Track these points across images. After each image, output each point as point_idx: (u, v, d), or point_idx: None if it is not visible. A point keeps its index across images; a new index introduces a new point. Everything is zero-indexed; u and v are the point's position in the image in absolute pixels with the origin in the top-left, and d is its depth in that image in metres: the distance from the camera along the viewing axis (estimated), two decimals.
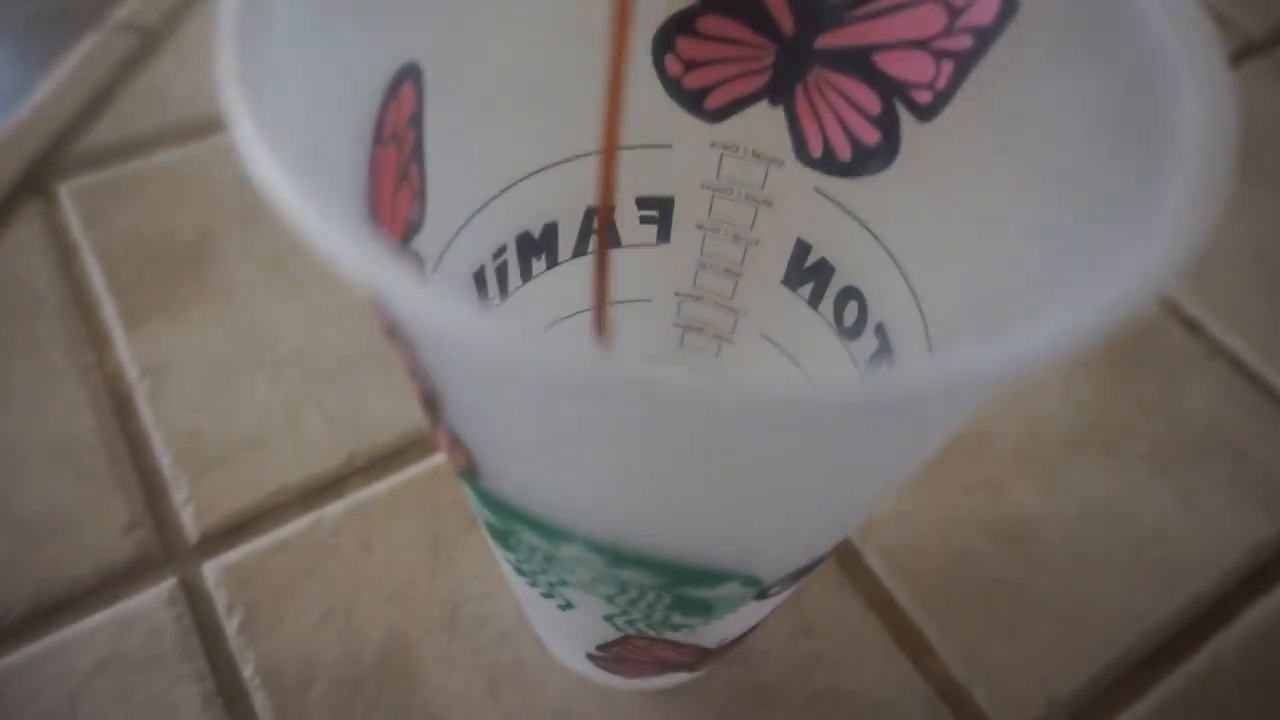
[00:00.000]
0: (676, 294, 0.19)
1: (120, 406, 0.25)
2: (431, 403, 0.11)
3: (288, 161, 0.08)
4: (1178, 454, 0.26)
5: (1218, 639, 0.23)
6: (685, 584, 0.11)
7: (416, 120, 0.12)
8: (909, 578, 0.23)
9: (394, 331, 0.10)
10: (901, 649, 0.22)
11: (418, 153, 0.13)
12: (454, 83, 0.13)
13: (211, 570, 0.22)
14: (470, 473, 0.12)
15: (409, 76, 0.12)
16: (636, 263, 0.18)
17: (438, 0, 0.12)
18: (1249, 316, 0.29)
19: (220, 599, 0.22)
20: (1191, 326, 0.29)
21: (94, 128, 0.31)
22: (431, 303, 0.07)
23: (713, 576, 0.11)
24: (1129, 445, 0.26)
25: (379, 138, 0.11)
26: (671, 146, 0.16)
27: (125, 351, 0.26)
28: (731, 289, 0.18)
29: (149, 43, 0.33)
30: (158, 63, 0.33)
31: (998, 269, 0.12)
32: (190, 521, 0.23)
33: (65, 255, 0.28)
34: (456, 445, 0.11)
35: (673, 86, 0.15)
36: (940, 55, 0.12)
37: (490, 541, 0.15)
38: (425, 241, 0.13)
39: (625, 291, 0.19)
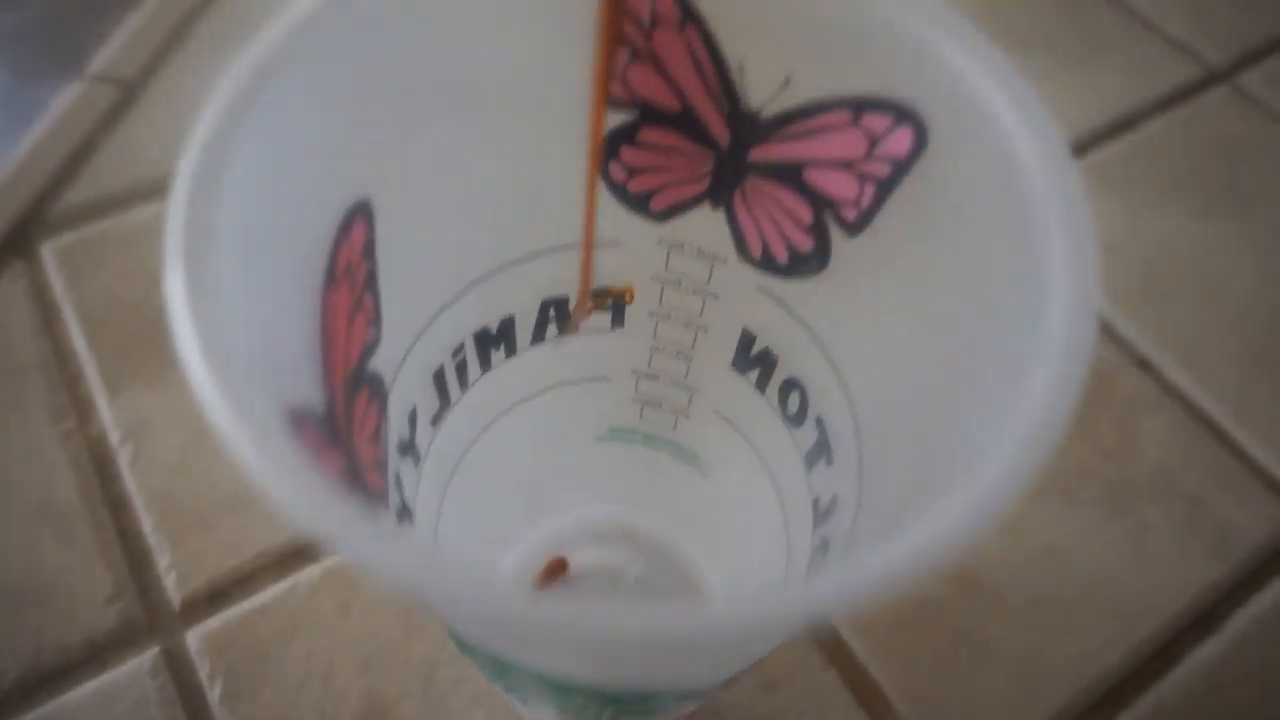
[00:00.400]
0: (633, 372, 0.20)
1: (103, 470, 0.26)
2: None
3: (230, 373, 0.09)
4: (1130, 497, 0.27)
5: (1162, 683, 0.24)
6: (626, 703, 0.12)
7: (368, 252, 0.13)
8: (866, 629, 0.24)
9: None
10: (860, 704, 0.23)
11: (371, 281, 0.13)
12: (404, 212, 0.14)
13: (194, 638, 0.23)
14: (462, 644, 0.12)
15: (359, 213, 0.13)
16: (594, 346, 0.19)
17: (386, 139, 0.13)
18: (1202, 356, 0.30)
19: (202, 667, 0.23)
20: (1145, 366, 0.30)
21: (75, 184, 0.31)
22: (372, 552, 0.07)
23: (651, 697, 0.12)
24: (1084, 490, 0.27)
25: (331, 278, 0.12)
26: (621, 244, 0.17)
27: (107, 415, 0.26)
28: (685, 370, 0.19)
29: (127, 95, 0.34)
30: (136, 116, 0.33)
31: (915, 381, 0.13)
32: (173, 588, 0.24)
33: (48, 316, 0.28)
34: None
35: (619, 191, 0.16)
36: (863, 178, 0.13)
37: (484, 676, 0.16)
38: (382, 358, 0.14)
39: (585, 371, 0.20)
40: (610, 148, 0.15)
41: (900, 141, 0.12)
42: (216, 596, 0.24)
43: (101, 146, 0.32)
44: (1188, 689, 0.23)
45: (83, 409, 0.27)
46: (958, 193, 0.12)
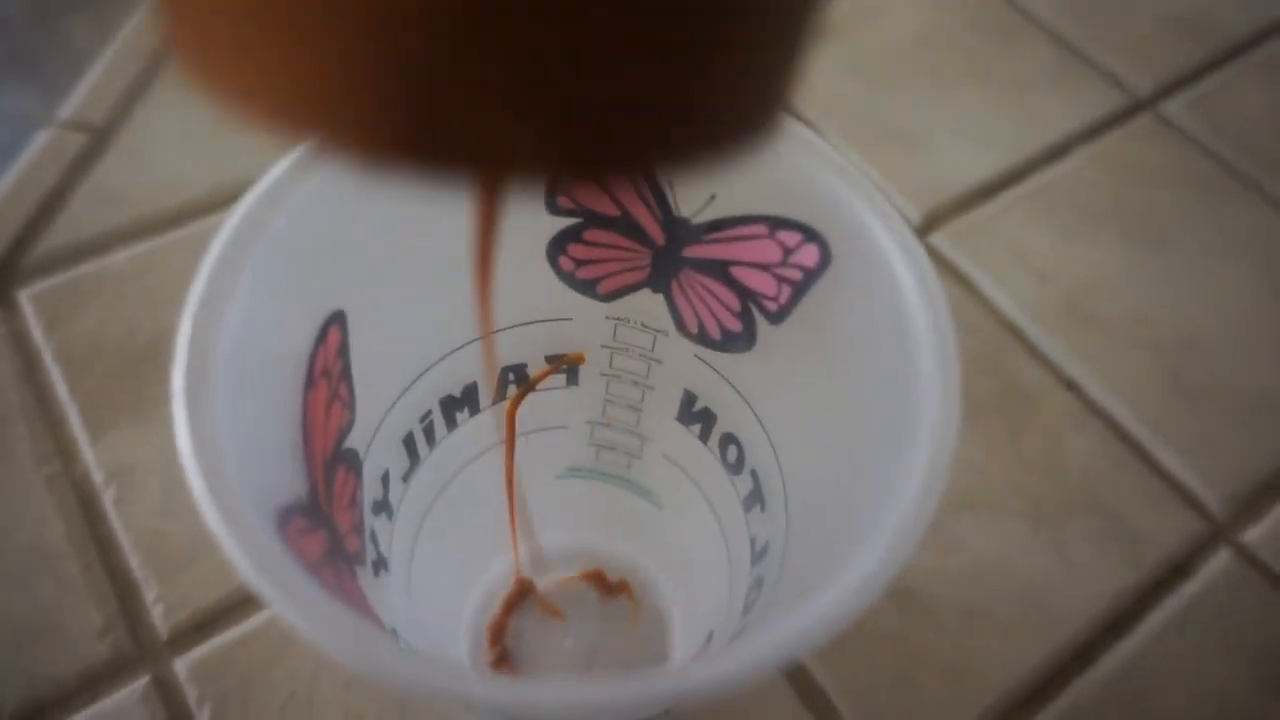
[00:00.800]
0: (588, 421, 0.21)
1: (89, 511, 0.27)
2: None
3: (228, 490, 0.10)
4: (1056, 510, 0.29)
5: (1081, 681, 0.26)
6: None
7: (343, 351, 0.15)
8: None
9: None
10: (808, 708, 0.25)
11: (345, 373, 0.15)
12: (374, 312, 0.15)
13: (182, 666, 0.25)
14: None
15: (335, 322, 0.14)
16: (551, 401, 0.21)
17: (357, 262, 0.14)
18: (1125, 377, 0.32)
19: (191, 693, 0.24)
20: (1072, 387, 0.32)
21: (49, 231, 0.32)
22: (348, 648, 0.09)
23: None
24: (1013, 503, 0.29)
25: (311, 381, 0.14)
26: (572, 320, 0.18)
27: (91, 458, 0.28)
28: (636, 420, 0.21)
29: (98, 141, 0.35)
30: (108, 161, 0.34)
31: (827, 450, 0.15)
32: (160, 620, 0.25)
33: (29, 362, 0.30)
34: None
35: (567, 278, 0.17)
36: (781, 279, 0.15)
37: None
38: (357, 435, 0.16)
39: (544, 421, 0.21)
40: (559, 244, 0.17)
41: (809, 255, 0.14)
42: (202, 626, 0.25)
43: (74, 192, 0.33)
44: (1103, 686, 0.26)
45: (67, 452, 0.28)
46: (856, 300, 0.14)
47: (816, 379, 0.15)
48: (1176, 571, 0.28)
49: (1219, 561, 0.28)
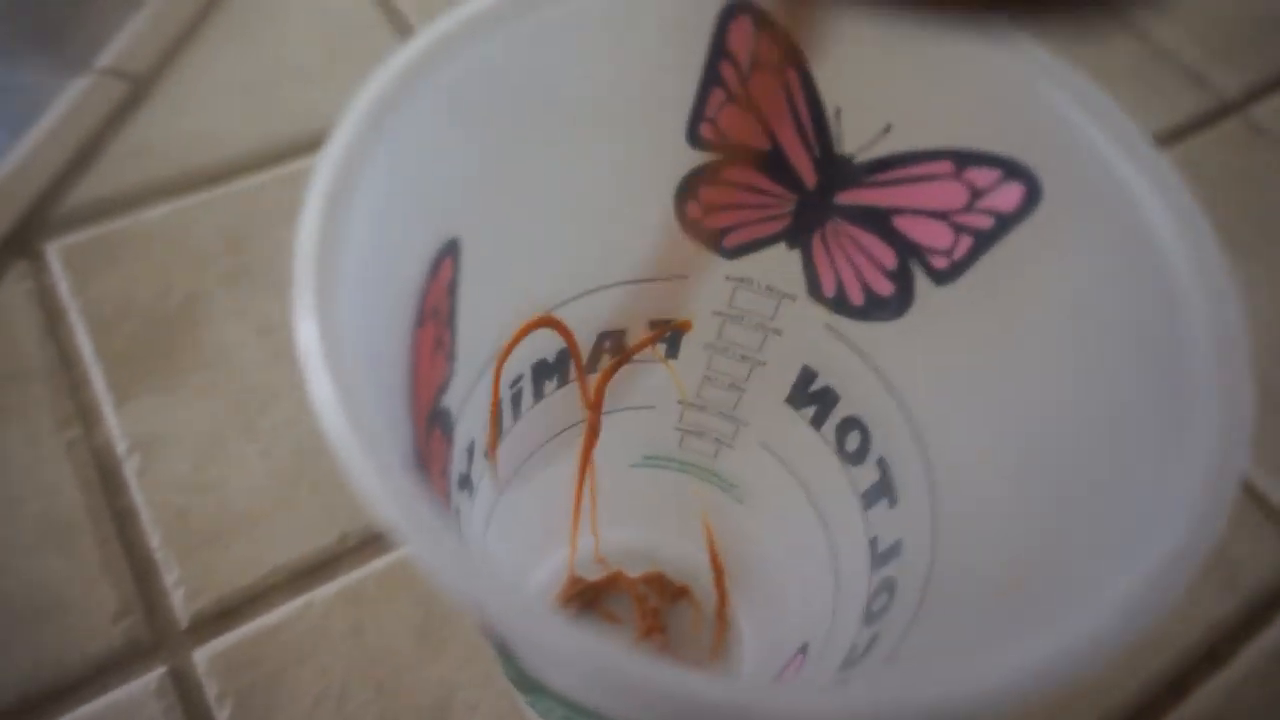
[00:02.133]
0: (680, 402, 0.19)
1: (109, 482, 0.25)
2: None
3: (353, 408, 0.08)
4: None
5: (1174, 714, 0.24)
6: None
7: (452, 289, 0.13)
8: None
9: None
10: None
11: (451, 319, 0.13)
12: (486, 251, 0.13)
13: (202, 658, 0.22)
14: (509, 657, 0.12)
15: (449, 253, 0.12)
16: (645, 375, 0.18)
17: (478, 180, 0.12)
18: None
19: (211, 688, 0.22)
20: None
21: (82, 183, 0.30)
22: (516, 612, 0.07)
23: None
24: None
25: (420, 318, 0.12)
26: (686, 278, 0.16)
27: (114, 424, 0.26)
28: (735, 401, 0.19)
29: (138, 90, 0.33)
30: (148, 112, 0.32)
31: (1006, 444, 0.13)
32: (180, 605, 0.23)
33: (53, 319, 0.27)
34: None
35: (692, 226, 0.15)
36: (960, 229, 0.13)
37: (513, 688, 0.15)
38: (453, 395, 0.14)
39: (632, 399, 0.19)
40: (690, 185, 0.15)
41: (1008, 197, 0.12)
42: (226, 614, 0.23)
43: (111, 143, 0.31)
44: (1198, 715, 0.24)
45: (89, 417, 0.26)
46: (1071, 257, 0.11)
47: (995, 350, 0.13)
48: (1273, 601, 0.26)
49: None
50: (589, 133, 0.13)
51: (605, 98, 0.13)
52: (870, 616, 0.15)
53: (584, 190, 0.14)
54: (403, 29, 0.36)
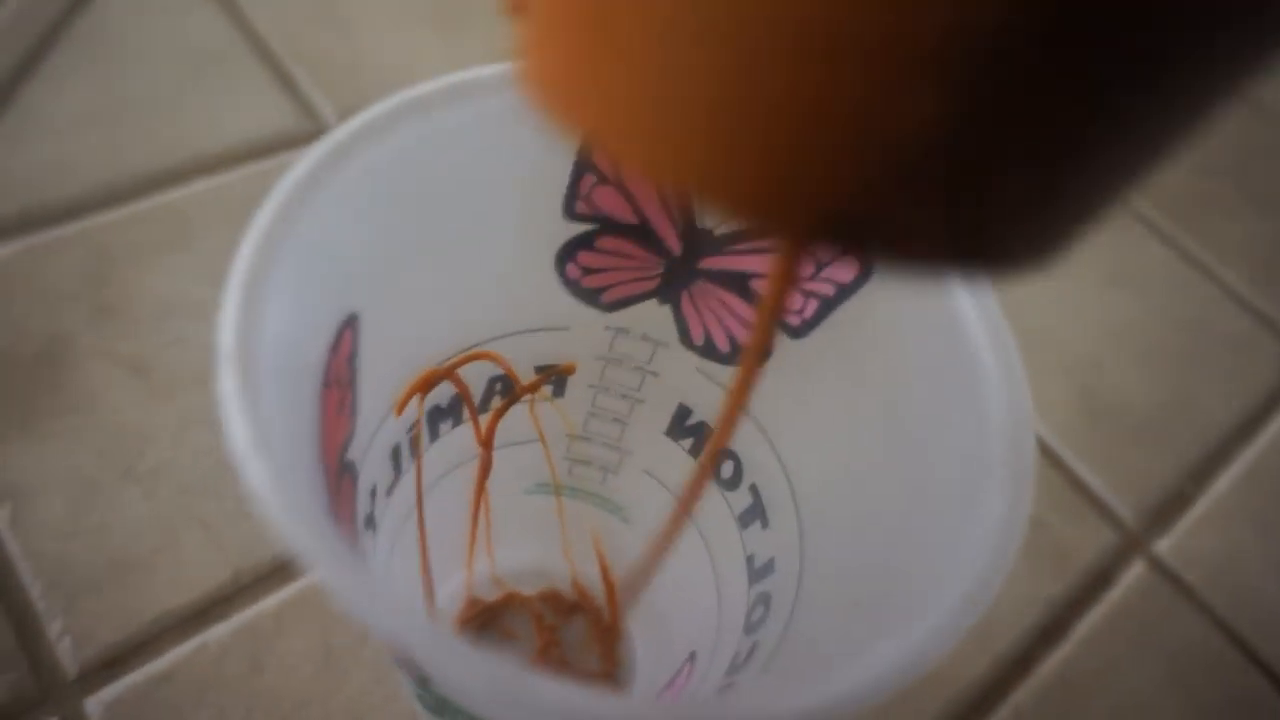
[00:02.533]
0: (568, 436, 0.21)
1: None
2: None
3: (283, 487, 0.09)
4: None
5: (1020, 689, 0.27)
6: None
7: (352, 358, 0.14)
8: None
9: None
10: None
11: (352, 382, 0.14)
12: (383, 320, 0.14)
13: (94, 707, 0.22)
14: (425, 681, 0.13)
15: (349, 325, 0.13)
16: (532, 414, 0.20)
17: (377, 264, 0.13)
18: (1044, 397, 0.34)
19: None
20: None
21: None
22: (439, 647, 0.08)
23: None
24: None
25: (326, 383, 0.13)
26: (569, 329, 0.18)
27: None
28: (619, 434, 0.20)
29: None
30: None
31: (852, 470, 0.15)
32: (68, 655, 0.23)
33: None
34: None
35: (572, 285, 0.17)
36: (808, 294, 0.15)
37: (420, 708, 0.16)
38: (356, 447, 0.15)
39: (520, 435, 0.20)
40: (570, 250, 0.16)
41: (845, 271, 0.14)
42: (116, 662, 0.23)
43: None
44: (1041, 693, 0.27)
45: None
46: (896, 321, 0.14)
47: (841, 395, 0.15)
48: (1099, 581, 0.30)
49: (1135, 571, 0.30)
50: (476, 213, 0.15)
51: (491, 184, 0.14)
52: (750, 627, 0.17)
53: (471, 261, 0.16)
54: (263, 54, 0.36)
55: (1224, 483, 0.33)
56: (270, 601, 0.25)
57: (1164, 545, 0.31)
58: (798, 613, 0.15)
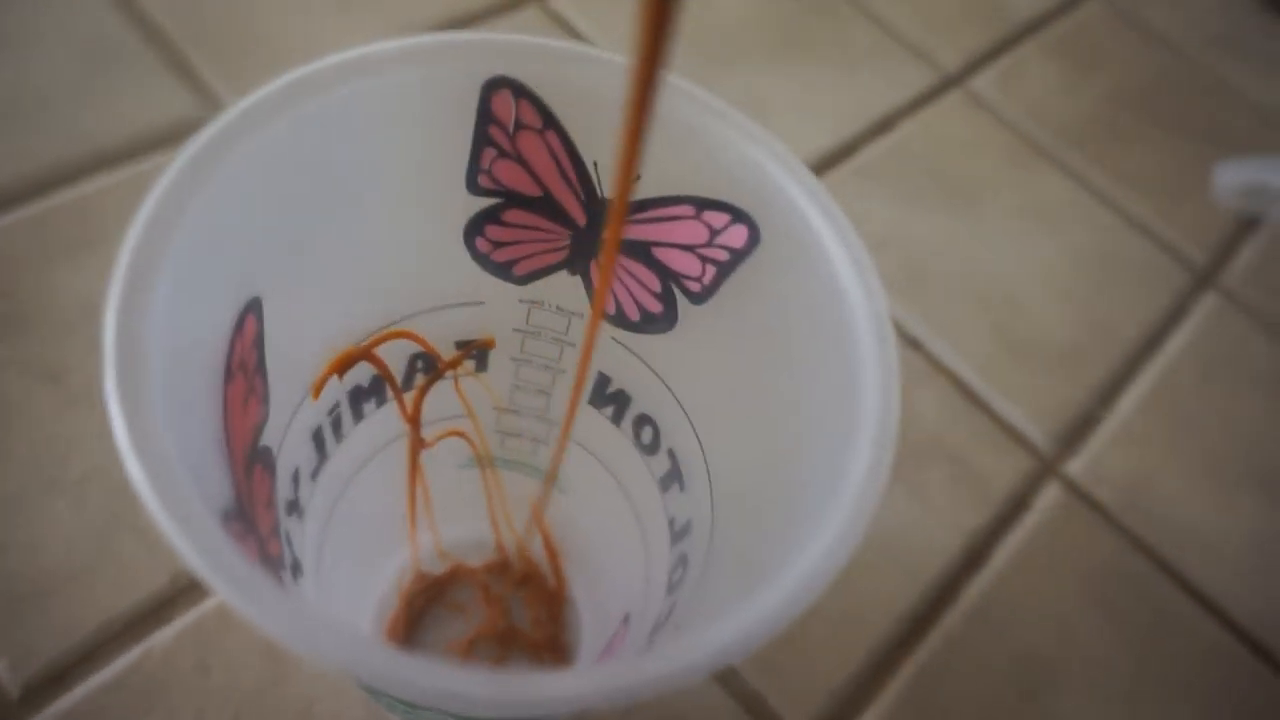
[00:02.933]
0: (495, 408, 0.21)
1: None
2: None
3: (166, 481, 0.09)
4: (911, 459, 0.32)
5: (948, 616, 0.29)
6: None
7: (258, 342, 0.14)
8: None
9: None
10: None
11: (260, 366, 0.14)
12: (289, 300, 0.14)
13: None
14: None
15: (251, 310, 0.13)
16: (457, 389, 0.20)
17: (277, 243, 0.13)
18: (961, 333, 0.35)
19: None
20: (915, 346, 0.35)
21: None
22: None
23: None
24: None
25: (229, 374, 0.13)
26: (484, 304, 0.18)
27: None
28: (545, 405, 0.21)
29: None
30: None
31: (754, 430, 0.16)
32: (7, 676, 0.22)
33: None
34: None
35: (483, 260, 0.17)
36: (705, 260, 0.15)
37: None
38: (270, 432, 0.15)
39: (448, 410, 0.21)
40: (478, 225, 0.16)
41: (736, 235, 0.15)
42: (60, 677, 0.23)
43: None
44: (969, 618, 0.29)
45: None
46: (785, 283, 0.14)
47: (741, 359, 0.16)
48: (1018, 506, 0.31)
49: (1050, 494, 0.32)
50: (377, 189, 0.15)
51: (388, 160, 0.14)
52: (671, 587, 0.18)
53: (378, 238, 0.16)
54: (159, 41, 0.35)
55: (1129, 402, 0.34)
56: (212, 601, 0.25)
57: (1075, 467, 0.32)
58: (707, 572, 0.16)
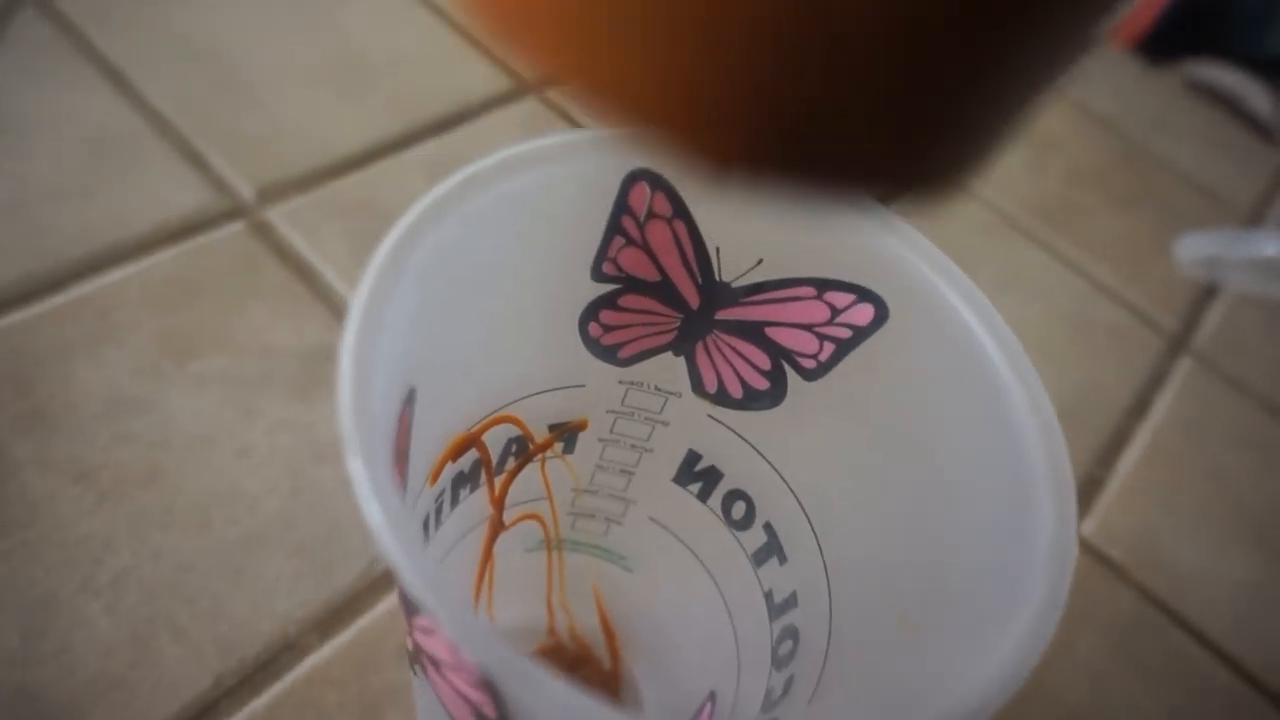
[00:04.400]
0: (573, 490, 0.21)
1: None
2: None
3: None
4: None
5: None
6: None
7: (408, 432, 0.14)
8: None
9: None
10: None
11: (406, 455, 0.14)
12: (427, 391, 0.14)
13: None
14: None
15: (409, 401, 0.13)
16: (541, 472, 0.20)
17: (430, 339, 0.14)
18: None
19: None
20: None
21: None
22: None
23: None
24: None
25: (395, 459, 0.13)
26: (585, 386, 0.18)
27: None
28: (625, 484, 0.21)
29: None
30: None
31: (872, 498, 0.16)
32: None
33: None
34: None
35: (593, 345, 0.17)
36: (823, 338, 0.16)
37: None
38: None
39: (528, 494, 0.21)
40: (594, 310, 0.17)
41: (861, 314, 0.15)
42: None
43: None
44: None
45: None
46: (916, 360, 0.15)
47: (860, 431, 0.16)
48: None
49: None
50: (511, 280, 0.15)
51: (525, 252, 0.15)
52: (779, 662, 0.18)
53: (504, 327, 0.16)
54: (167, 132, 0.35)
55: (1126, 464, 0.36)
56: (259, 702, 0.23)
57: (1088, 528, 0.34)
58: (834, 644, 0.16)
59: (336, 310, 0.31)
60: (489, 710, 0.12)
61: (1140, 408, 0.38)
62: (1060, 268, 0.43)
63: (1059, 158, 0.49)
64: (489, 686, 0.11)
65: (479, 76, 0.41)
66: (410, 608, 0.13)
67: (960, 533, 0.14)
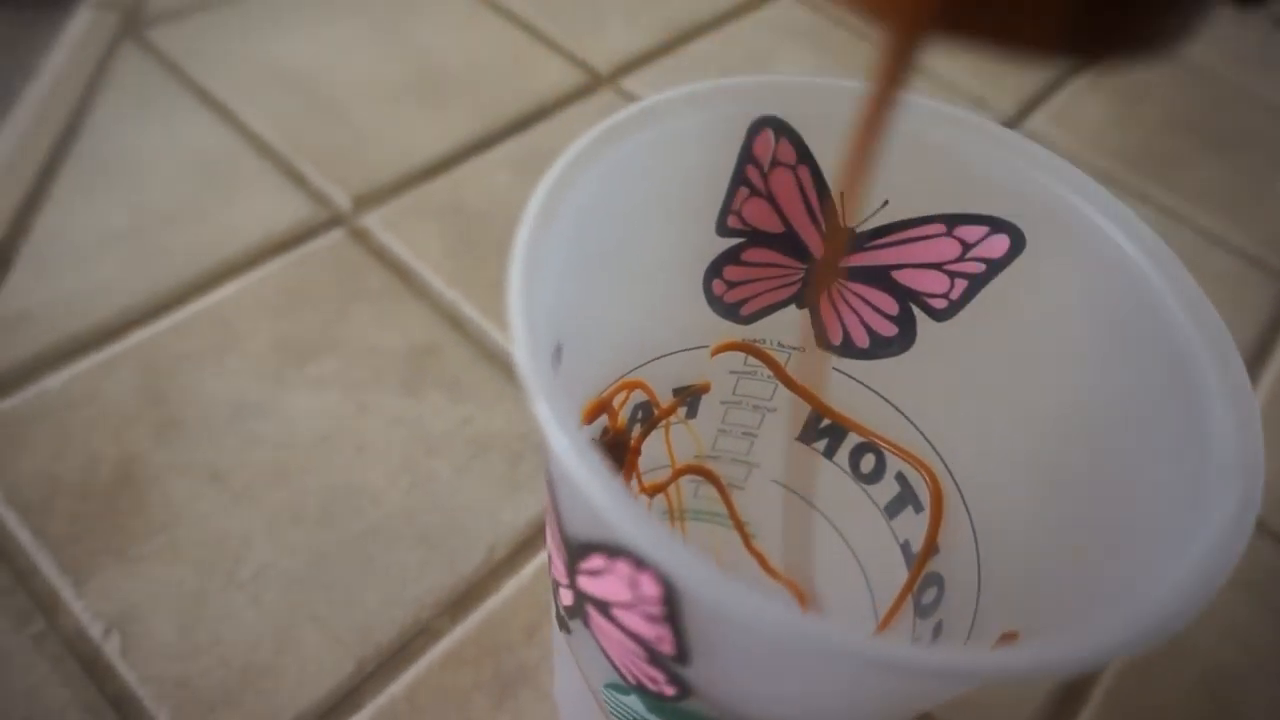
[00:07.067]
0: (696, 457, 0.21)
1: (93, 669, 0.23)
2: (669, 659, 0.12)
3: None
4: None
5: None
6: None
7: None
8: None
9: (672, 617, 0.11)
10: None
11: None
12: (570, 352, 0.15)
13: None
14: (673, 698, 0.13)
15: (556, 358, 0.14)
16: (663, 440, 0.20)
17: (577, 294, 0.14)
18: None
19: None
20: None
21: None
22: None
23: None
24: None
25: None
26: (707, 346, 0.18)
27: (80, 608, 0.24)
28: (748, 447, 0.21)
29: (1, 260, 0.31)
30: (16, 280, 0.30)
31: (1015, 435, 0.16)
32: None
33: None
34: (672, 682, 0.13)
35: (716, 303, 0.17)
36: (954, 275, 0.16)
37: None
38: None
39: (651, 461, 0.21)
40: (717, 267, 0.17)
41: (995, 246, 0.15)
42: None
43: None
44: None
45: (47, 606, 0.24)
46: (1056, 286, 0.15)
47: (998, 370, 0.16)
48: None
49: None
50: (642, 238, 0.15)
51: (654, 207, 0.15)
52: (923, 610, 0.18)
53: (632, 288, 0.16)
54: (266, 152, 0.36)
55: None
56: (400, 685, 0.24)
57: None
58: (988, 585, 0.16)
59: (435, 308, 0.32)
60: (666, 646, 0.12)
61: (1262, 354, 0.37)
62: (1162, 219, 0.42)
63: (1150, 108, 0.47)
64: (672, 618, 0.11)
65: (552, 74, 0.42)
66: (576, 553, 0.13)
67: (1125, 455, 0.14)
